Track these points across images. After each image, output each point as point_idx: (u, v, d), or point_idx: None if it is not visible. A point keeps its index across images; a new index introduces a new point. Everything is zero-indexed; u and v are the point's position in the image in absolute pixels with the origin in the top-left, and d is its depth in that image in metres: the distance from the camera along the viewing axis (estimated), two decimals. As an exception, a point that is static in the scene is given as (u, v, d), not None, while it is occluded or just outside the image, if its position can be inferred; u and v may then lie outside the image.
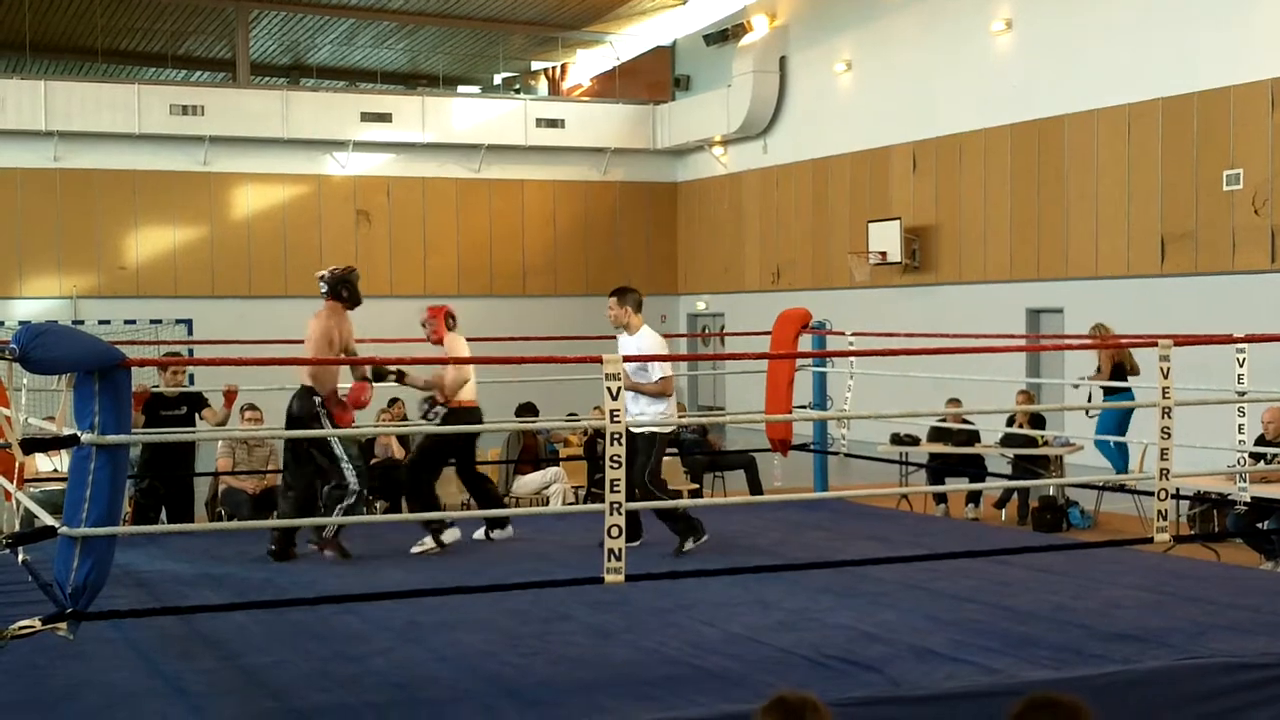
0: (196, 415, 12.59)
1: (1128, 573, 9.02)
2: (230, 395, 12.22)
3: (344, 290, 10.39)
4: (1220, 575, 9.24)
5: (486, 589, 8.21)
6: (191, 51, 33.92)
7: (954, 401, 15.85)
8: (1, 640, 5.45)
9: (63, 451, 10.32)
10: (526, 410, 15.86)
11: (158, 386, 12.45)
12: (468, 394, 10.53)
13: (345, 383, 10.44)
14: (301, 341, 10.40)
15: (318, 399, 9.93)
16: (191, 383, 23.99)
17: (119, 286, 28.64)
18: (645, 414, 9.85)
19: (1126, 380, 14.37)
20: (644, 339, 10.13)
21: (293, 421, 9.97)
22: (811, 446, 13.26)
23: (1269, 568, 11.49)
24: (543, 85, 36.12)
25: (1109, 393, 14.39)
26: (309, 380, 9.97)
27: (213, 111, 28.83)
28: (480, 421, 10.65)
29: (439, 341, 10.77)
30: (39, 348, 5.60)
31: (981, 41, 24.01)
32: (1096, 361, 15.53)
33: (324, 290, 10.40)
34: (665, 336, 10.71)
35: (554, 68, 35.57)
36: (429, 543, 10.19)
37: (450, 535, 10.28)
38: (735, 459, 16.80)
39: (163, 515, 12.51)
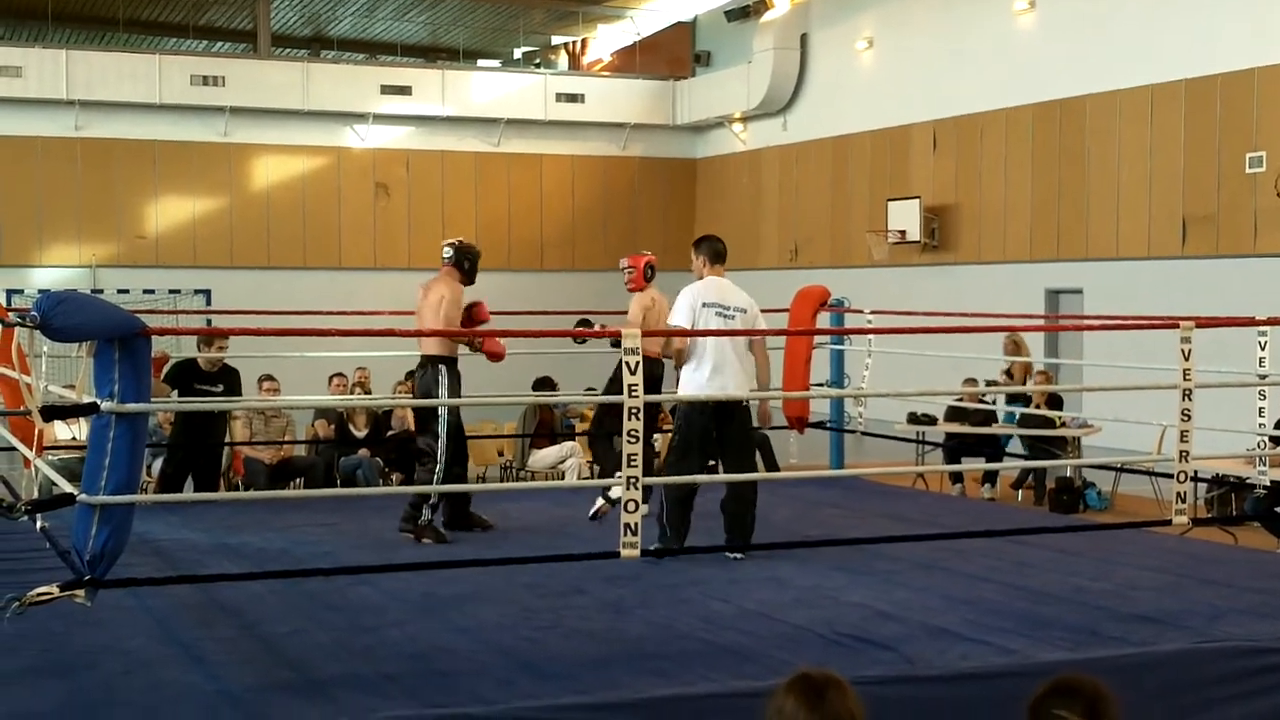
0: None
1: (1145, 555, 9.01)
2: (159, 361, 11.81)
3: (465, 262, 10.27)
4: (1238, 558, 9.22)
5: (502, 562, 8.23)
6: (213, 22, 33.88)
7: (971, 381, 15.82)
8: (20, 607, 5.47)
9: (82, 419, 10.34)
10: (544, 384, 15.87)
11: (193, 358, 12.05)
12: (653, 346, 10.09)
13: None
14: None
15: (443, 367, 9.78)
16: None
17: (138, 256, 28.68)
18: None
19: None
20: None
21: (423, 397, 9.81)
22: (828, 424, 13.25)
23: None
24: (563, 60, 36.03)
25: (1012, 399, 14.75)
26: (436, 350, 9.79)
27: (233, 82, 28.82)
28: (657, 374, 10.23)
29: (636, 290, 10.65)
30: (59, 315, 5.61)
31: (1004, 21, 23.90)
32: (1009, 366, 15.54)
33: (448, 256, 10.25)
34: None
35: (574, 42, 35.48)
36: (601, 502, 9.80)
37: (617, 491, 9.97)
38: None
39: (188, 485, 12.37)
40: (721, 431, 9.14)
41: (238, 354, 12.43)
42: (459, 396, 9.91)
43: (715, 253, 9.47)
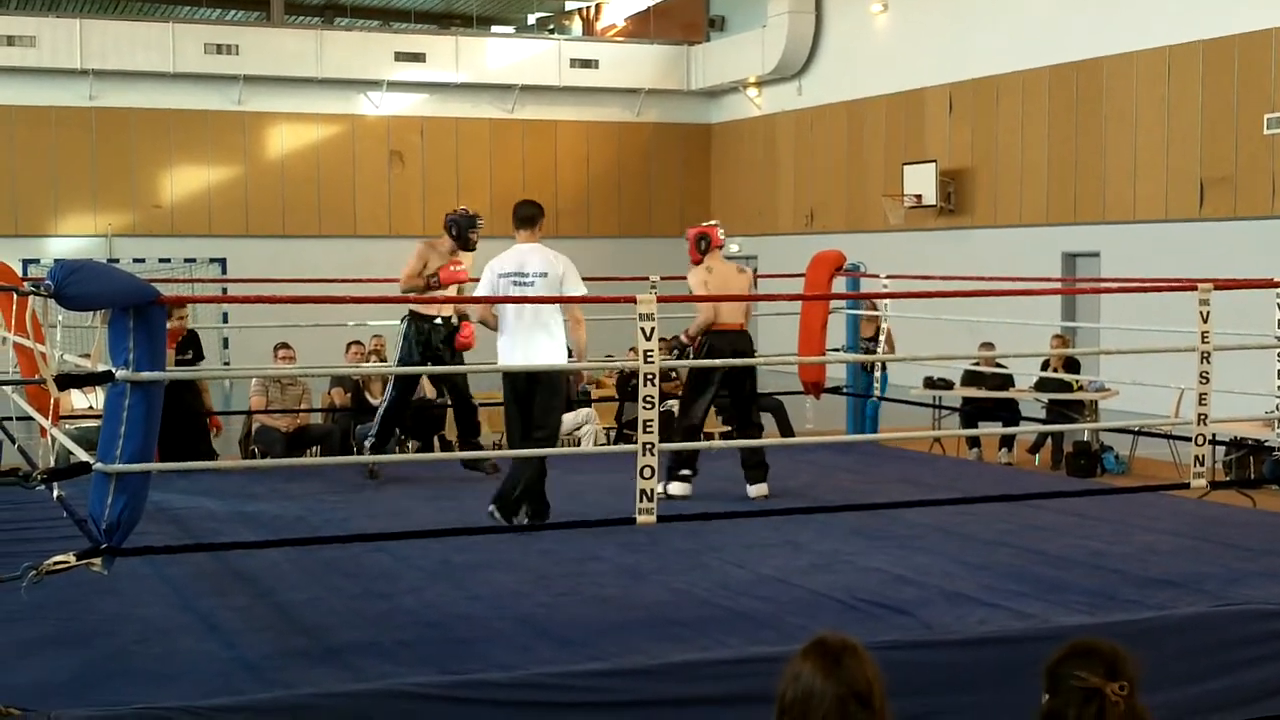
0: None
1: (1163, 518, 8.98)
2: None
3: (453, 229, 10.94)
4: (1256, 521, 9.19)
5: (518, 529, 8.23)
6: (226, -10, 33.86)
7: (988, 345, 15.77)
8: (37, 575, 5.47)
9: (98, 388, 10.35)
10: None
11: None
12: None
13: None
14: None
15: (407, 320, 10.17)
16: (225, 320, 24.19)
17: (153, 225, 28.70)
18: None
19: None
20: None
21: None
22: (844, 389, 13.22)
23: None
24: (577, 25, 35.93)
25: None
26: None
27: (247, 51, 28.79)
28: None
29: (694, 264, 10.40)
30: (74, 284, 5.60)
31: (1020, -18, 23.77)
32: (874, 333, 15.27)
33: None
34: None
35: (588, 8, 35.36)
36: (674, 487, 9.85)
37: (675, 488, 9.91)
38: (765, 401, 16.73)
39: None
40: (531, 400, 8.87)
41: (254, 323, 12.50)
42: (413, 347, 10.83)
43: (520, 218, 9.19)
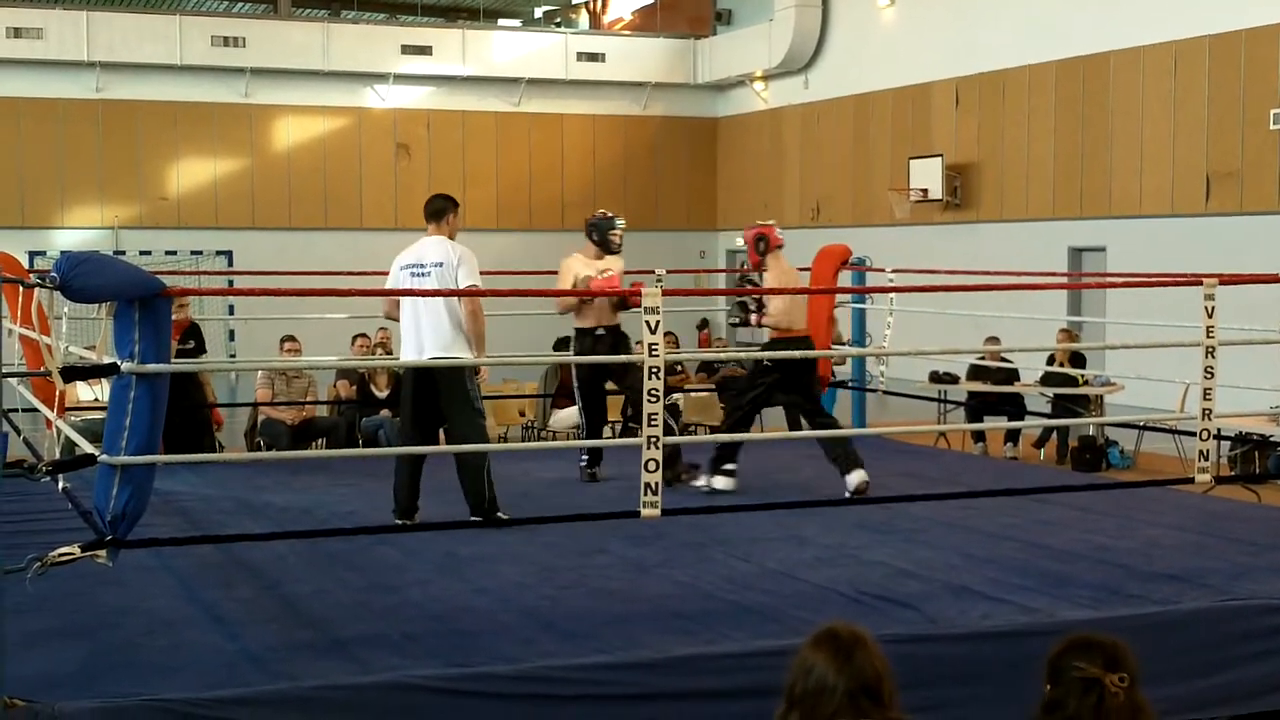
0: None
1: (1167, 513, 8.97)
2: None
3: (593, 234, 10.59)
4: (1261, 516, 9.17)
5: (523, 522, 8.23)
6: (232, -18, 33.89)
7: (993, 340, 15.76)
8: (42, 567, 5.48)
9: (103, 380, 10.37)
10: (564, 345, 15.83)
11: None
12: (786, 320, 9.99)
13: None
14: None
15: None
16: (231, 313, 24.20)
17: (160, 217, 28.72)
18: None
19: None
20: None
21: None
22: (850, 383, 13.22)
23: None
24: (583, 19, 35.92)
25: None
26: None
27: (254, 43, 28.80)
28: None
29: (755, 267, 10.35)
30: (79, 276, 5.60)
31: (1027, -24, 23.74)
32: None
33: None
34: (703, 273, 10.49)
35: (595, 1, 35.35)
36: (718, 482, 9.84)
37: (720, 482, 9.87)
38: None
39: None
40: (433, 399, 8.65)
41: (261, 314, 12.52)
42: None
43: (428, 212, 9.05)
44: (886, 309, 12.68)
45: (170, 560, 7.37)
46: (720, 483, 9.75)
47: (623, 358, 9.67)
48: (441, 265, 8.63)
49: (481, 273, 8.90)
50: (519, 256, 22.73)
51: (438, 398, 8.62)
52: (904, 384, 14.62)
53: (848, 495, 9.39)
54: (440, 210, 8.95)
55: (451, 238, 8.90)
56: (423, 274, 8.66)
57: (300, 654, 5.79)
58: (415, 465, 8.70)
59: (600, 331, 10.46)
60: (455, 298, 8.53)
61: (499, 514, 8.42)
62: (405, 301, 8.61)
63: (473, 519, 8.40)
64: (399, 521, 8.54)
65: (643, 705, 5.62)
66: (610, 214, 10.62)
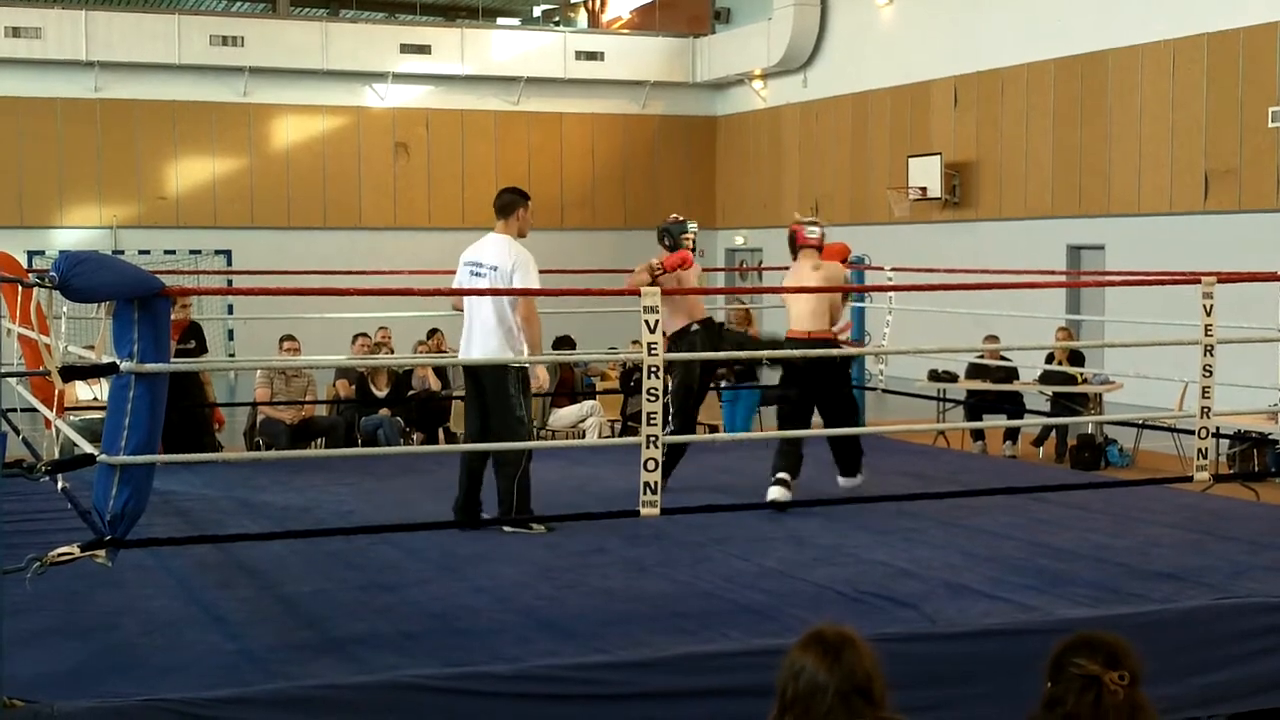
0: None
1: (1166, 511, 8.98)
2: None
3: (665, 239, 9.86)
4: (1259, 515, 9.18)
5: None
6: (231, -18, 33.87)
7: (992, 338, 15.77)
8: (40, 567, 5.48)
9: (102, 380, 10.37)
10: (564, 343, 15.87)
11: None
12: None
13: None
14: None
15: None
16: (231, 312, 24.21)
17: (159, 217, 28.72)
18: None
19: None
20: None
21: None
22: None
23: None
24: (582, 17, 35.89)
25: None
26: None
27: (252, 42, 28.79)
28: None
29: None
30: (78, 275, 5.60)
31: (1026, -26, 23.74)
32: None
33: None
34: (703, 271, 10.39)
35: (594, 0, 35.34)
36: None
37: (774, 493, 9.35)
38: (770, 394, 16.72)
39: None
40: (479, 398, 8.56)
41: (259, 314, 12.53)
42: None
43: (496, 206, 8.73)
44: (885, 308, 12.69)
45: (169, 560, 7.37)
46: (775, 493, 9.17)
47: (678, 355, 9.37)
48: (496, 270, 8.47)
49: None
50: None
51: (484, 396, 8.56)
52: (903, 382, 14.62)
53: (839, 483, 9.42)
54: (509, 205, 8.67)
55: (522, 235, 8.67)
56: (479, 274, 8.51)
57: (299, 654, 5.79)
58: (474, 465, 8.61)
59: (694, 327, 9.78)
60: (505, 300, 8.38)
61: (530, 525, 8.30)
62: (467, 303, 8.54)
63: (457, 520, 8.42)
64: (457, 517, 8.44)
65: (642, 704, 5.62)
66: (682, 218, 10.01)
